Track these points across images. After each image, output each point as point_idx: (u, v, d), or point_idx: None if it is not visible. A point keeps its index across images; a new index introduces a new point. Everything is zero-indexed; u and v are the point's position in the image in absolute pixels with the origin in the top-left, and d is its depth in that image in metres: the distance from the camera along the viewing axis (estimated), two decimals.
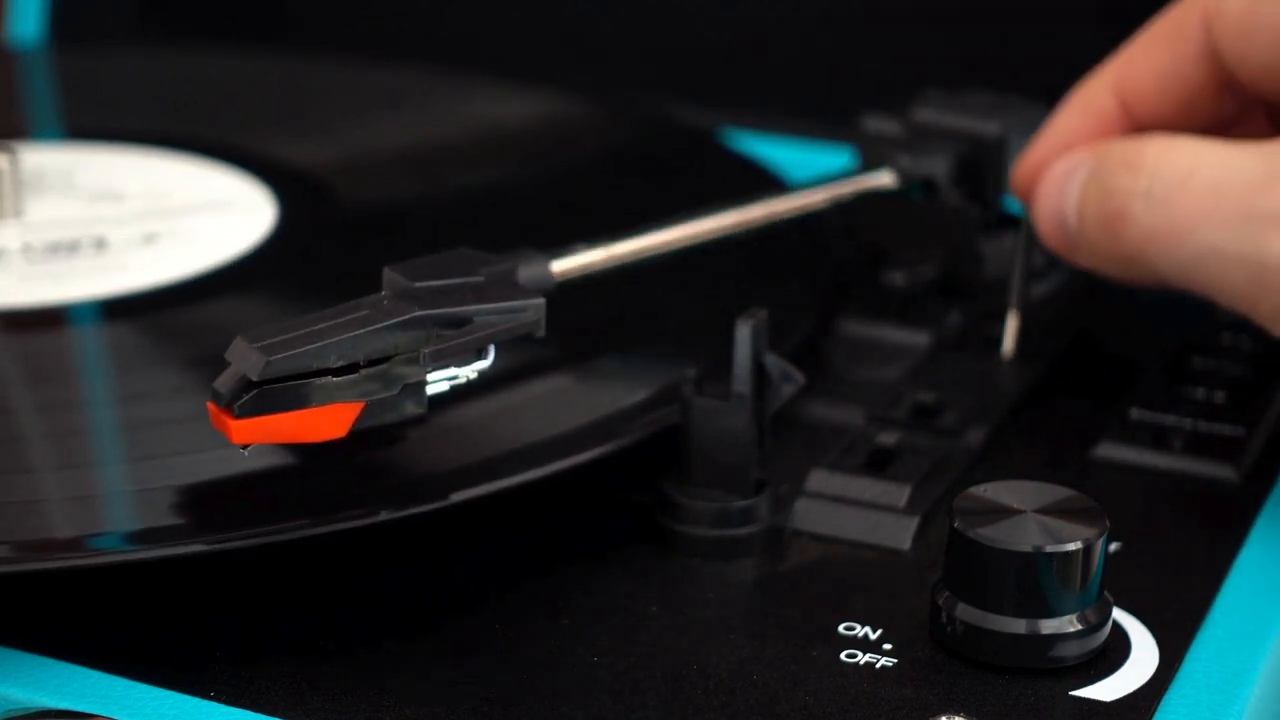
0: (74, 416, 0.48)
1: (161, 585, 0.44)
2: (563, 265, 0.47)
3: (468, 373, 0.44)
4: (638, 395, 0.49)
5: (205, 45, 0.75)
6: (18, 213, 0.58)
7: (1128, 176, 0.48)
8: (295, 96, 0.68)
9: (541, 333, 0.45)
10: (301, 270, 0.55)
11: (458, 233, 0.58)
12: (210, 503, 0.44)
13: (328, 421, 0.42)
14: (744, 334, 0.46)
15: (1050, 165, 0.52)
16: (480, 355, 0.44)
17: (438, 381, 0.43)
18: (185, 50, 0.74)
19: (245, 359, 0.41)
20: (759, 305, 0.46)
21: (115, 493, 0.45)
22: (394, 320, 0.42)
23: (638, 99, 0.71)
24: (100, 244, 0.56)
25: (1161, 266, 0.48)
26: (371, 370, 0.42)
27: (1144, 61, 0.52)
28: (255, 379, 0.41)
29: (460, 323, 0.44)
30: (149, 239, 0.56)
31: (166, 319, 0.52)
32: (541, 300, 0.45)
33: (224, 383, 0.41)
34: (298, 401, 0.41)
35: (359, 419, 0.42)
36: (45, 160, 0.61)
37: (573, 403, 0.48)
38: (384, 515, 0.43)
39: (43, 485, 0.45)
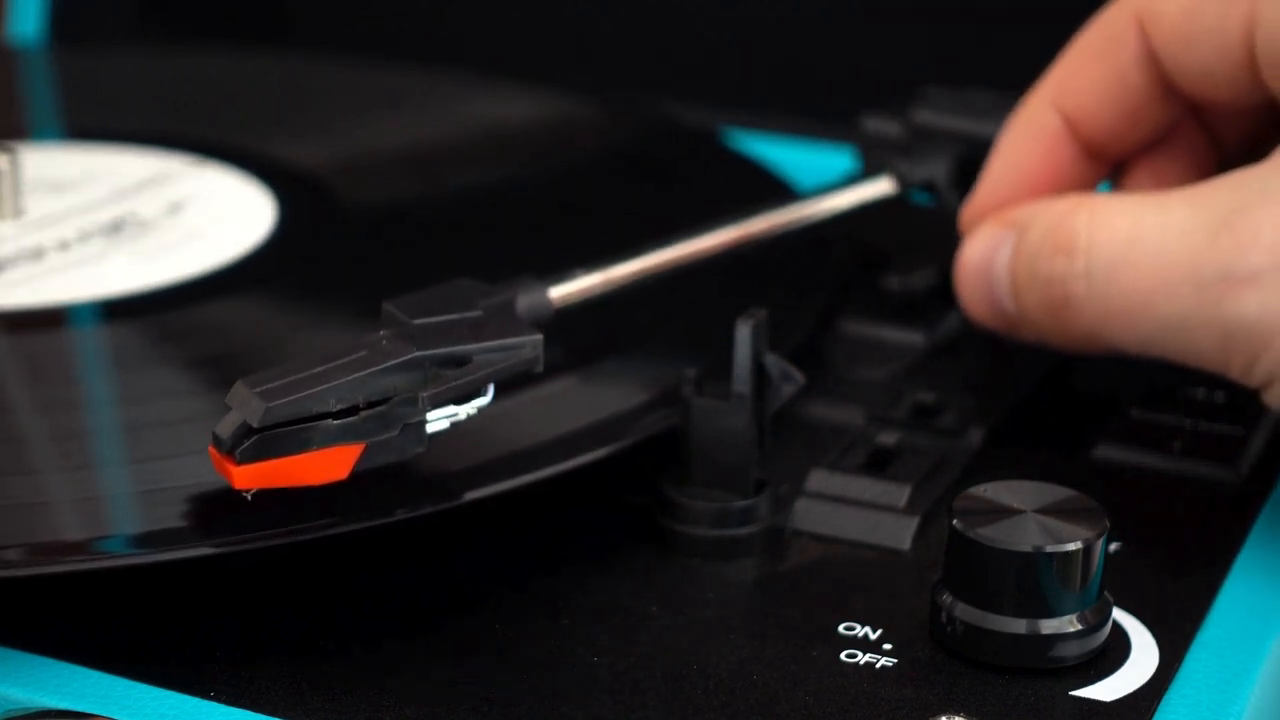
0: (75, 418, 0.48)
1: (162, 586, 0.44)
2: (561, 291, 0.48)
3: (468, 410, 0.44)
4: (637, 397, 0.49)
5: (205, 45, 0.75)
6: (17, 213, 0.58)
7: (1063, 260, 0.47)
8: (295, 96, 0.68)
9: (539, 369, 0.45)
10: (301, 270, 0.55)
11: (458, 233, 0.58)
12: (214, 505, 0.44)
13: (329, 464, 0.42)
14: (744, 334, 0.46)
15: (966, 243, 0.50)
16: (480, 393, 0.44)
17: (438, 420, 0.43)
18: (185, 50, 0.74)
19: (245, 404, 0.41)
20: (759, 306, 0.46)
21: (119, 496, 0.45)
22: (392, 362, 0.43)
23: (638, 99, 0.71)
24: (100, 244, 0.56)
25: (1120, 342, 0.47)
26: (371, 412, 0.42)
27: (1082, 74, 0.50)
28: (255, 425, 0.41)
29: (459, 361, 0.44)
30: (149, 239, 0.56)
31: (166, 319, 0.52)
32: (539, 336, 0.45)
33: (225, 429, 0.41)
34: (298, 446, 0.41)
35: (360, 460, 0.42)
36: (45, 160, 0.61)
37: (572, 404, 0.48)
38: (398, 515, 0.43)
39: (46, 488, 0.45)
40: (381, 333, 0.44)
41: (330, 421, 0.42)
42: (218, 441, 0.41)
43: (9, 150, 0.58)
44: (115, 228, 0.57)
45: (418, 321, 0.44)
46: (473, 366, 0.44)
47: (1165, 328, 0.45)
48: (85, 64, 0.71)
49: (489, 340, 0.44)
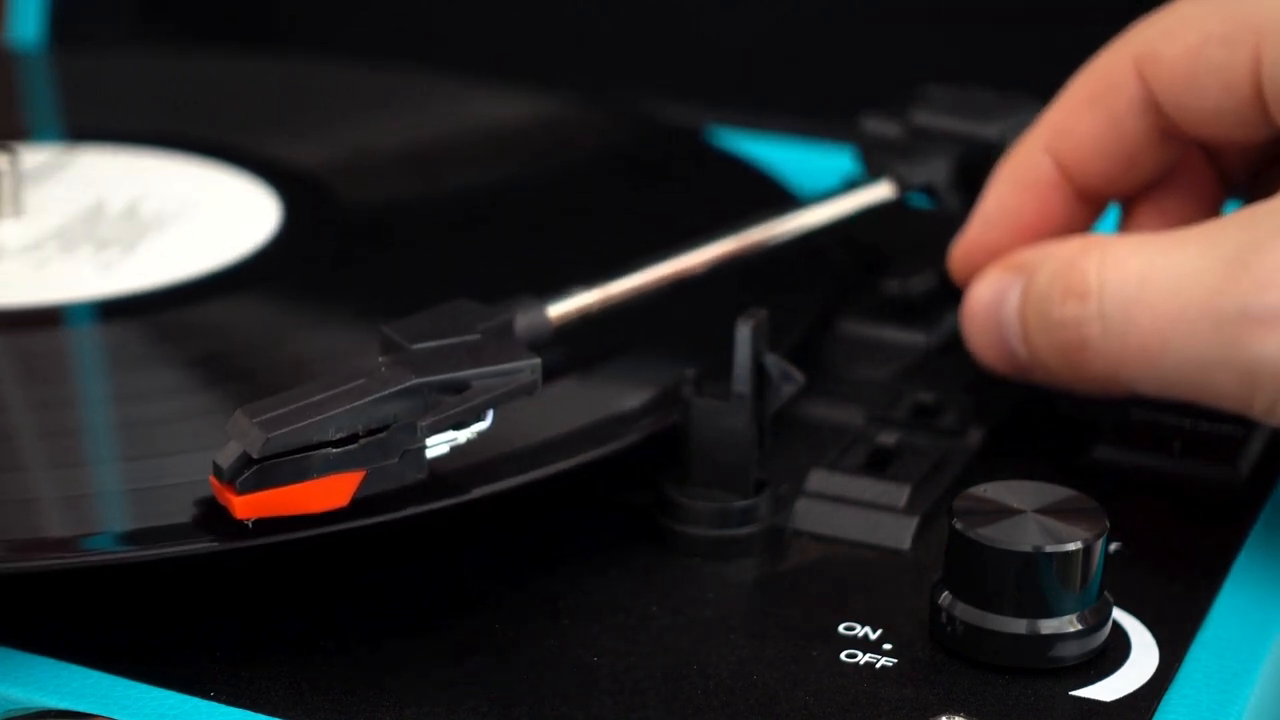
0: (75, 416, 0.48)
1: (161, 585, 0.44)
2: (560, 310, 0.48)
3: (467, 434, 0.44)
4: (637, 397, 0.48)
5: (206, 46, 0.75)
6: (17, 213, 0.58)
7: (1075, 305, 0.46)
8: (295, 96, 0.68)
9: (537, 392, 0.45)
10: (302, 270, 0.55)
11: (457, 233, 0.58)
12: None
13: (329, 492, 0.42)
14: (744, 334, 0.46)
15: (972, 289, 0.50)
16: (479, 418, 0.44)
17: (437, 445, 0.43)
18: (185, 51, 0.74)
19: (245, 434, 0.41)
20: (759, 306, 0.46)
21: (115, 492, 0.45)
22: (391, 390, 0.42)
23: (636, 99, 0.71)
24: (100, 244, 0.56)
25: (1138, 383, 0.46)
26: (371, 439, 0.42)
27: (1078, 122, 0.50)
28: (255, 455, 0.41)
29: (458, 387, 0.44)
30: (149, 239, 0.56)
31: (166, 319, 0.52)
32: (537, 360, 0.45)
33: (225, 459, 0.41)
34: (298, 475, 0.41)
35: (360, 487, 0.42)
36: (45, 160, 0.61)
37: (572, 404, 0.48)
38: (386, 516, 0.43)
39: (42, 485, 0.45)
40: (380, 359, 0.44)
41: (330, 450, 0.42)
42: (218, 471, 0.41)
43: (9, 150, 0.58)
44: (115, 227, 0.57)
45: (416, 346, 0.44)
46: (471, 392, 0.44)
47: (1183, 368, 0.45)
48: (85, 65, 0.71)
49: (487, 365, 0.44)
